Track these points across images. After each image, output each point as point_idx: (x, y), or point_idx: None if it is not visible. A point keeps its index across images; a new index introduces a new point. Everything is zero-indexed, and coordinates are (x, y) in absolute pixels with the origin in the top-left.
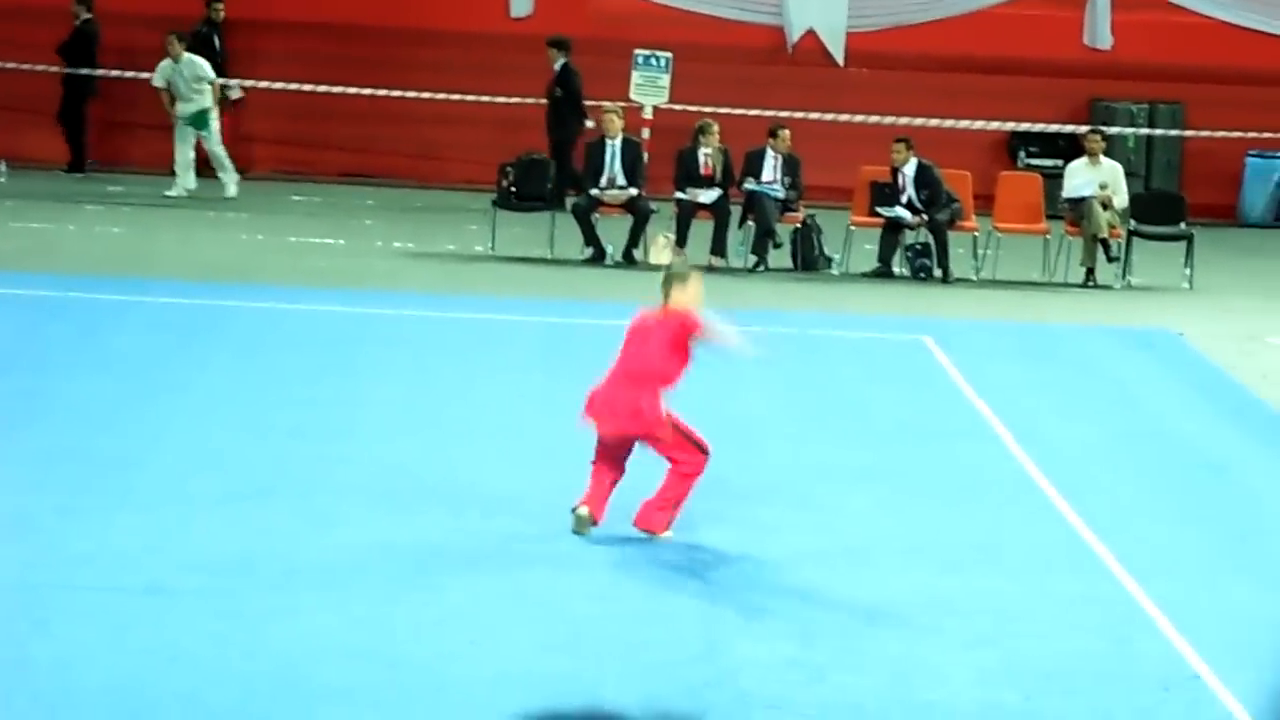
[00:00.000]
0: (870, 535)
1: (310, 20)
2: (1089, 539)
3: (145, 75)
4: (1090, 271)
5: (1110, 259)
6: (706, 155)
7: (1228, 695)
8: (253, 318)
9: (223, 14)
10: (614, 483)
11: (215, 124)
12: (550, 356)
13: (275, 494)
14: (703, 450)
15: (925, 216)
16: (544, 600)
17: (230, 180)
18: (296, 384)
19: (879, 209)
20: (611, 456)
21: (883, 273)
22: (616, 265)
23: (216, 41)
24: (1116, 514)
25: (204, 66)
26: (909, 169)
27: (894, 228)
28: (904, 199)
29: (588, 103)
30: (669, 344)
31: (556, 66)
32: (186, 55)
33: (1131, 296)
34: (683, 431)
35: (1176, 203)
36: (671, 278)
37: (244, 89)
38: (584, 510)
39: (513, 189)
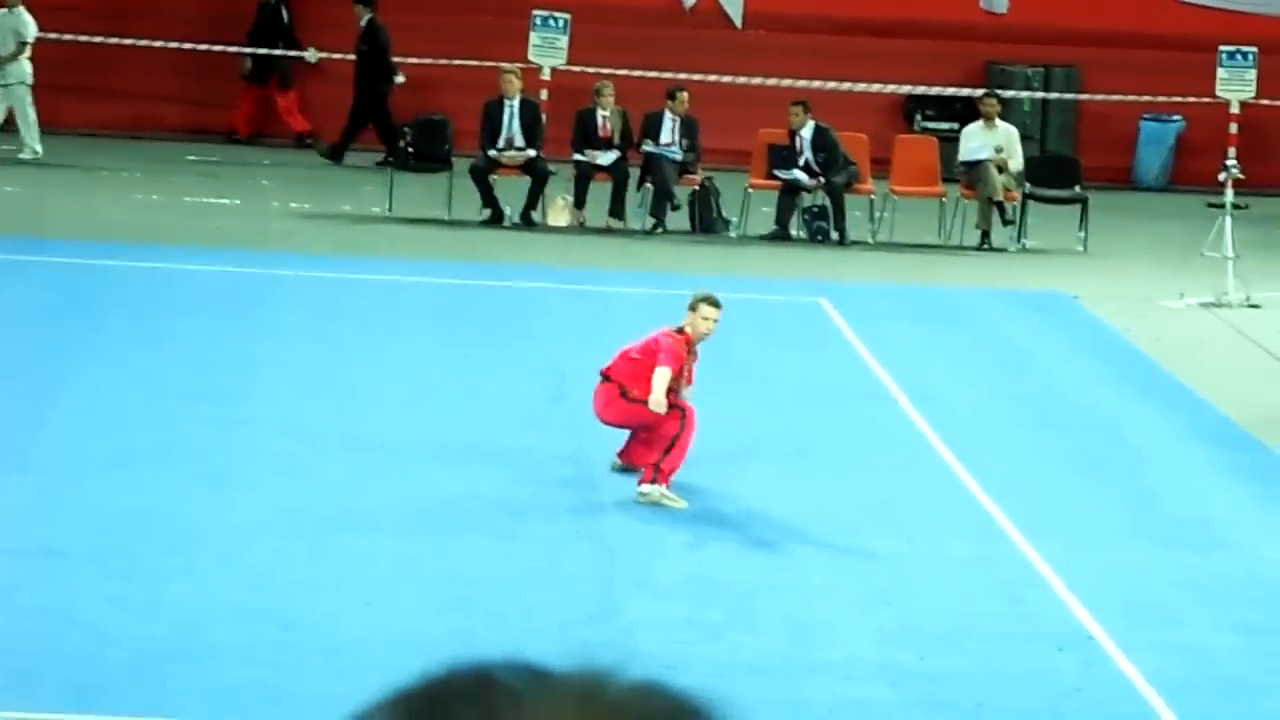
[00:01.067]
0: (767, 497)
1: None
2: (983, 500)
3: (42, 34)
4: (985, 234)
5: (1005, 222)
6: (605, 117)
7: (1119, 654)
8: (148, 278)
9: None
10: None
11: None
12: (448, 318)
13: (171, 455)
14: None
15: (822, 179)
16: (440, 561)
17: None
18: (192, 345)
19: (777, 172)
20: None
21: (780, 235)
22: (514, 226)
23: (285, 14)
24: (1010, 475)
25: (27, 23)
26: (806, 132)
27: (791, 190)
28: (801, 162)
29: (489, 64)
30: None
31: (363, 22)
32: (18, 8)
33: (1026, 259)
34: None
35: (1071, 166)
36: (706, 298)
37: (315, 53)
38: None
39: (410, 149)
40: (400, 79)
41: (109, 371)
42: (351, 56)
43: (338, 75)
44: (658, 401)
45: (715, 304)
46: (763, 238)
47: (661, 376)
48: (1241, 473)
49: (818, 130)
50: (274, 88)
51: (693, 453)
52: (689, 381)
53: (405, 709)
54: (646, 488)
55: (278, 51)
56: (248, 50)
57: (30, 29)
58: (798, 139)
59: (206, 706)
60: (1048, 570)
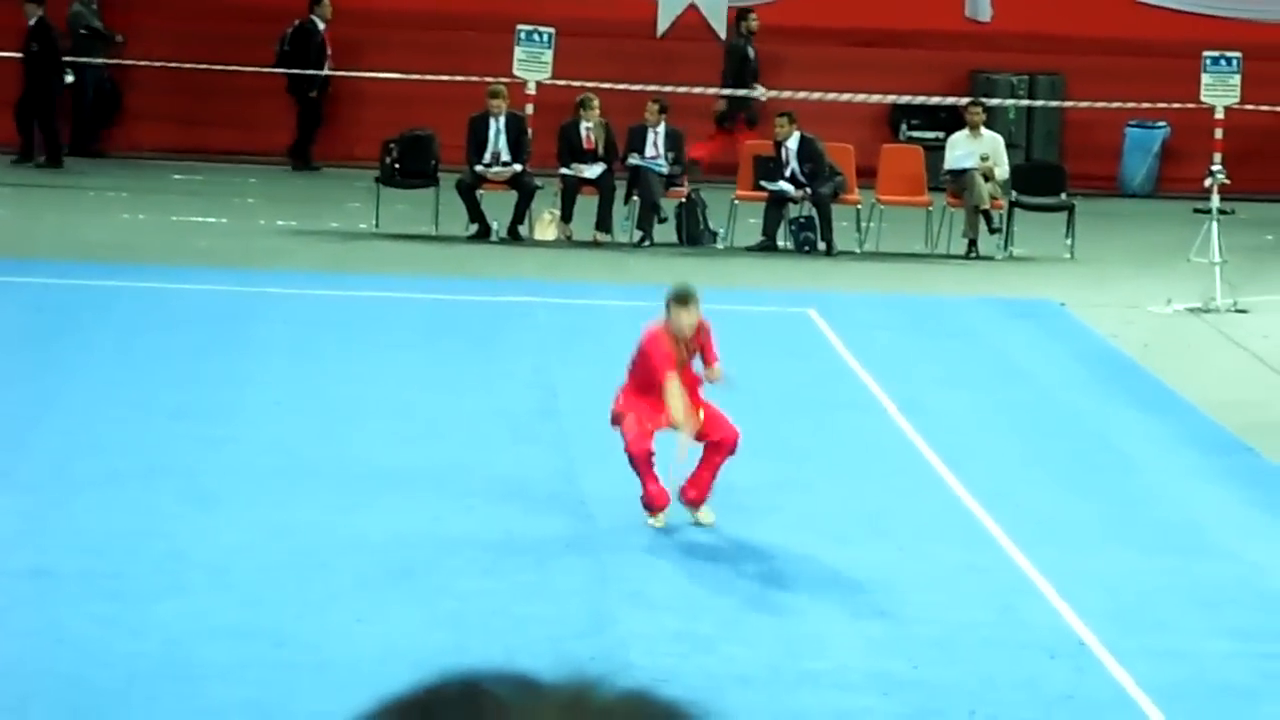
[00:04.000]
0: (757, 507)
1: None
2: (973, 508)
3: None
4: (972, 243)
5: (992, 230)
6: (589, 129)
7: (1112, 661)
8: (135, 298)
9: None
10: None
11: None
12: (435, 334)
13: (160, 474)
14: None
15: (809, 190)
16: (430, 577)
17: None
18: (180, 364)
19: (763, 183)
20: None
21: (767, 246)
22: (501, 241)
23: (750, 53)
24: (1000, 483)
25: None
26: (792, 143)
27: (778, 202)
28: (787, 173)
29: (474, 79)
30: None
31: (32, 21)
32: None
33: (1014, 267)
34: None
35: (1057, 173)
36: (674, 297)
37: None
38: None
39: (396, 165)
40: (70, 78)
41: (97, 391)
42: (159, 64)
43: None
44: (681, 422)
45: (683, 301)
46: (750, 249)
47: (672, 389)
48: (1231, 478)
49: (803, 141)
50: None
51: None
52: (710, 363)
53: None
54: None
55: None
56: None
57: None
58: (784, 150)
59: None
60: (1039, 577)
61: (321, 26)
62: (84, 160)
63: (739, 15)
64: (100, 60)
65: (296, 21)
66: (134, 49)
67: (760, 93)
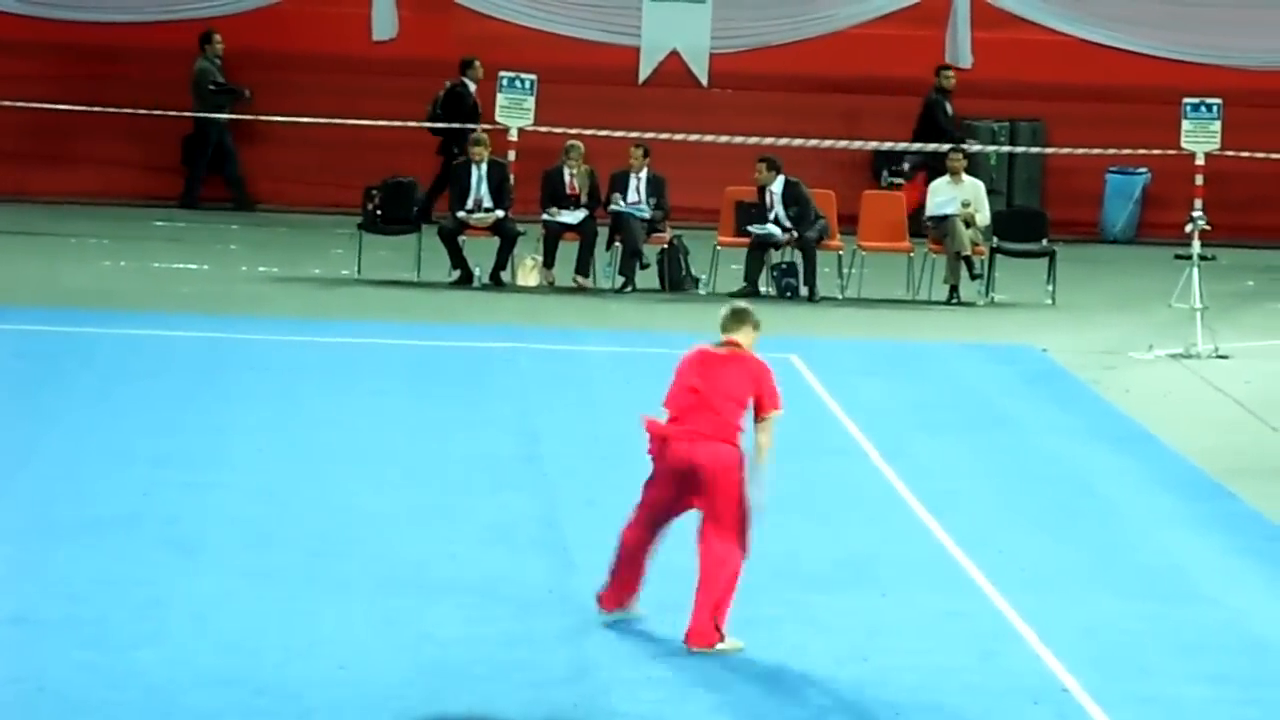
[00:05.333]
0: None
1: (171, 47)
2: (955, 554)
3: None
4: (954, 289)
5: (974, 276)
6: (572, 175)
7: (1095, 707)
8: (116, 345)
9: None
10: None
11: None
12: (418, 380)
13: (141, 522)
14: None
15: (795, 234)
16: (413, 624)
17: None
18: (162, 410)
19: (750, 228)
20: (654, 523)
21: (749, 292)
22: (484, 287)
23: (948, 109)
24: (982, 529)
25: None
26: (776, 187)
27: (760, 247)
28: (772, 217)
29: (456, 126)
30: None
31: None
32: None
33: (995, 313)
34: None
35: (1038, 219)
36: (733, 315)
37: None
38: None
39: (378, 212)
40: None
41: (77, 438)
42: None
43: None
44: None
45: (738, 322)
46: (732, 294)
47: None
48: (1212, 523)
49: (788, 184)
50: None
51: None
52: (763, 411)
53: None
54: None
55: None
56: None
57: None
58: (768, 194)
59: None
60: (1020, 623)
61: (473, 88)
62: (62, 207)
63: (936, 71)
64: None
65: (448, 83)
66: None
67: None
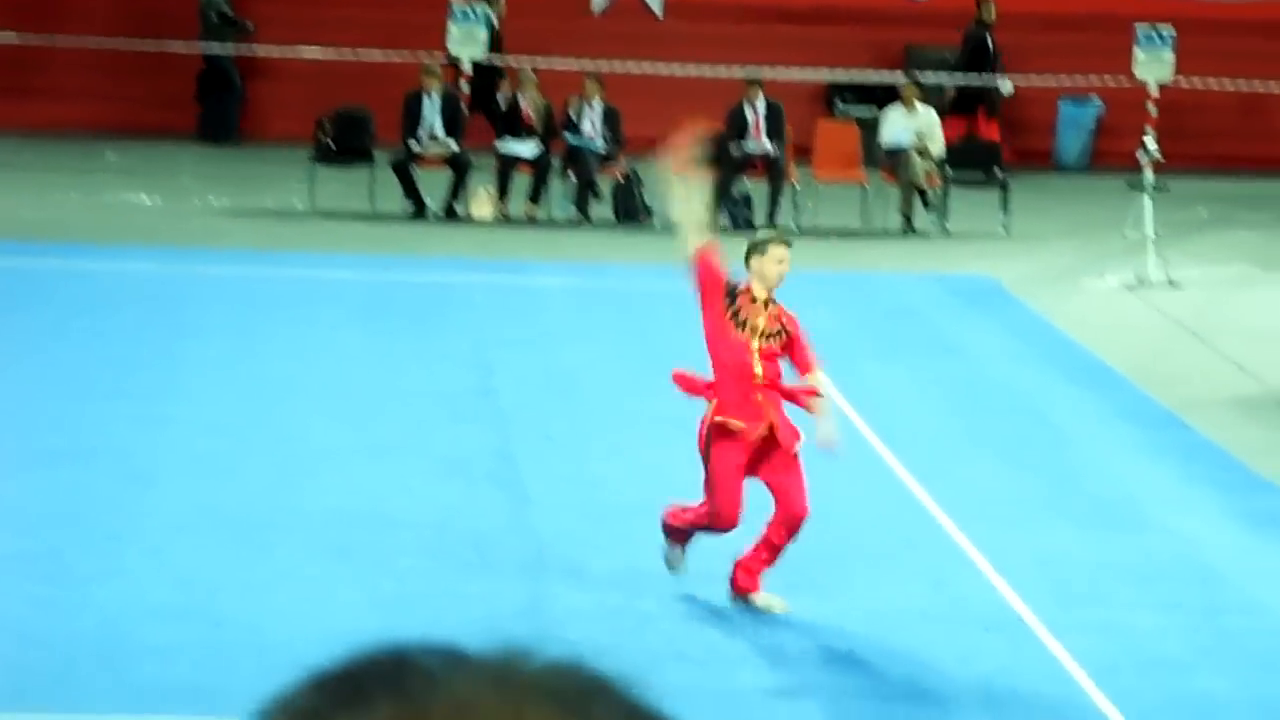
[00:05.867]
0: (693, 484)
1: None
2: (910, 484)
3: None
4: (908, 219)
5: (927, 207)
6: (526, 104)
7: (1047, 636)
8: (70, 278)
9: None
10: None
11: None
12: (372, 313)
13: (95, 455)
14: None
15: (774, 151)
16: (370, 557)
17: None
18: (115, 344)
19: (734, 143)
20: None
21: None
22: (437, 219)
23: (989, 42)
24: (936, 459)
25: None
26: (761, 108)
27: (738, 167)
28: (752, 137)
29: (409, 56)
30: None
31: None
32: None
33: (949, 244)
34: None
35: (992, 150)
36: (756, 245)
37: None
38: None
39: (331, 143)
40: None
41: (31, 371)
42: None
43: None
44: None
45: (786, 243)
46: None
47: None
48: (1165, 452)
49: (771, 107)
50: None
51: (618, 442)
52: (805, 369)
53: (321, 691)
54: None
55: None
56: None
57: None
58: (751, 113)
59: (135, 706)
60: (975, 553)
61: None
62: (15, 139)
63: (978, 3)
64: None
65: None
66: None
67: (1005, 86)
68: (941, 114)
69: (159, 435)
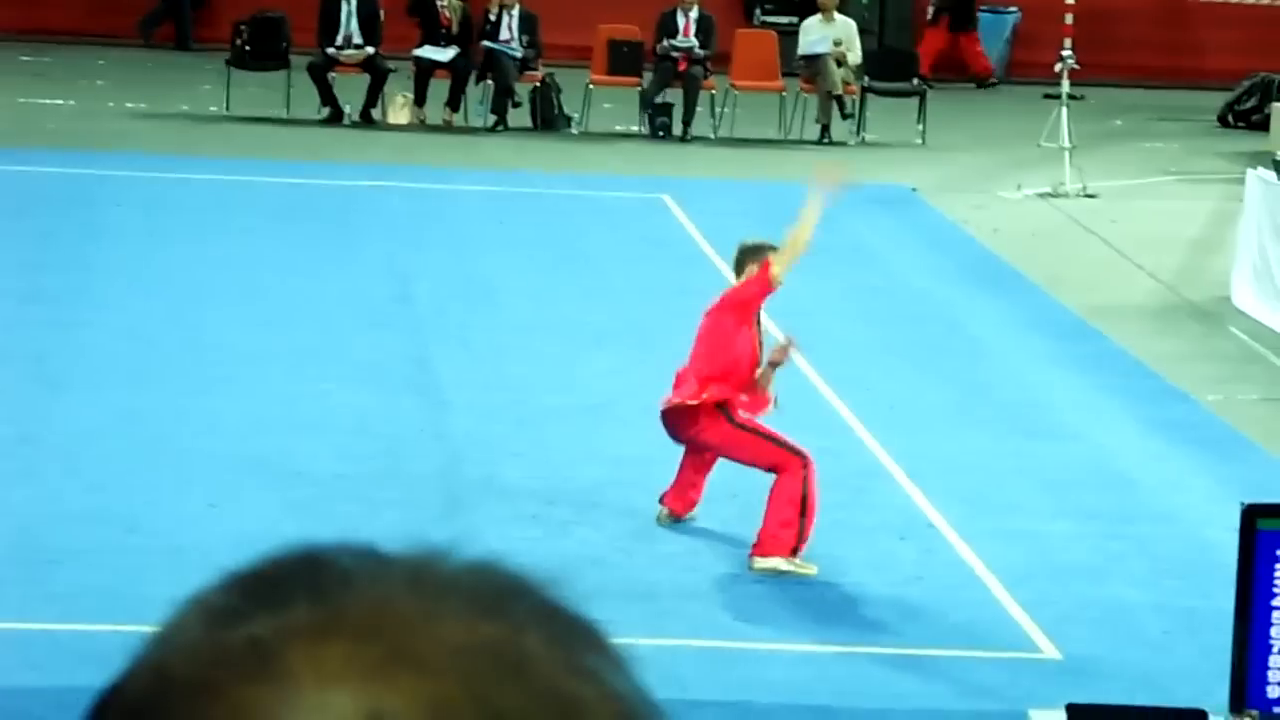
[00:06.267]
0: (611, 392)
1: None
2: (824, 392)
3: None
4: (825, 128)
5: (845, 116)
6: (444, 6)
7: (960, 543)
8: None
9: None
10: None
11: None
12: (288, 219)
13: (7, 359)
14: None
15: (703, 51)
16: (285, 462)
17: None
18: (26, 247)
19: (668, 41)
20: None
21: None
22: (354, 125)
23: None
24: (851, 367)
25: None
26: (694, 13)
27: (667, 60)
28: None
29: None
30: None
31: None
32: None
33: (866, 153)
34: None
35: (909, 59)
36: (751, 250)
37: None
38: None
39: (247, 47)
40: None
41: None
42: None
43: None
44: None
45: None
46: (610, 135)
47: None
48: (1078, 362)
49: (702, 15)
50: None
51: (535, 350)
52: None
53: (235, 590)
54: (774, 561)
55: None
56: None
57: None
58: (683, 18)
59: (50, 610)
60: (889, 460)
61: None
62: None
63: None
64: None
65: None
66: None
67: None
68: (931, 24)
69: (72, 339)
